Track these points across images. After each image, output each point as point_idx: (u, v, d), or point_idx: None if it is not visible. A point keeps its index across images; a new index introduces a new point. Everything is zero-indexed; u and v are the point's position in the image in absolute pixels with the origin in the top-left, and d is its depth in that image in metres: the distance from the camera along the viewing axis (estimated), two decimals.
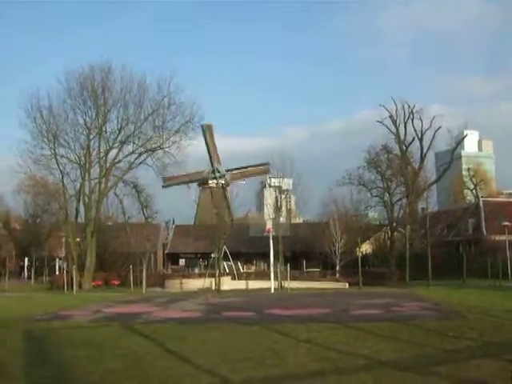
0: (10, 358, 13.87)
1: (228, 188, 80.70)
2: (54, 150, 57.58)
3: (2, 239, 77.07)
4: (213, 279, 52.86)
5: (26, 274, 71.42)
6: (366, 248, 68.86)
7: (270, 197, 61.22)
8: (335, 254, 57.91)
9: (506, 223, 51.24)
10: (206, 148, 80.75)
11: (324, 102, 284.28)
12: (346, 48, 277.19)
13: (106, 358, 13.60)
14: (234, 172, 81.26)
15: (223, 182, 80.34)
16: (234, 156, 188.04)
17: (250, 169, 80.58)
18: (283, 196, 62.20)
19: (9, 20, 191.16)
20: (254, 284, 53.32)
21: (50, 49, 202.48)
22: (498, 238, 55.82)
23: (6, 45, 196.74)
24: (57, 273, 64.23)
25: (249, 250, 62.68)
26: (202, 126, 74.20)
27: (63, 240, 61.81)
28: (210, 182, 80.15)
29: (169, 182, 67.24)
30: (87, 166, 58.49)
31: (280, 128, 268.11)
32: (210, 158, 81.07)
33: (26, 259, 71.64)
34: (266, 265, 59.29)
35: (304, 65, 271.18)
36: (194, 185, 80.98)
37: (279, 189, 62.15)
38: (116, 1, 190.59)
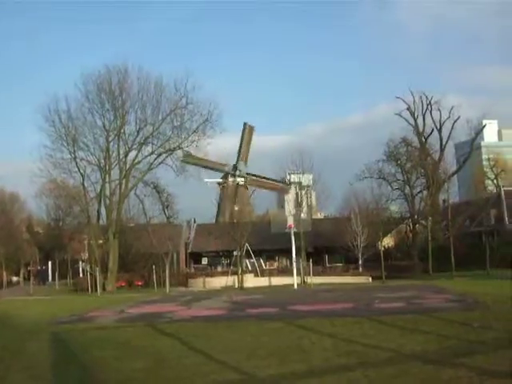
0: (38, 360, 14.01)
1: (248, 186, 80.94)
2: (74, 153, 57.98)
3: (25, 243, 77.80)
4: (236, 277, 53.06)
5: (50, 278, 71.90)
6: (388, 241, 68.74)
7: (290, 193, 61.06)
8: (357, 248, 57.83)
9: None
10: (238, 145, 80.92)
11: (340, 97, 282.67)
12: (360, 42, 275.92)
13: (132, 358, 13.69)
14: (254, 178, 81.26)
15: (242, 180, 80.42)
16: (252, 151, 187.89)
17: (271, 182, 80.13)
18: (304, 192, 62.05)
19: (20, 24, 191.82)
20: (277, 280, 53.43)
21: (64, 52, 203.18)
22: None
23: (19, 49, 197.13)
24: (80, 275, 64.66)
25: (271, 246, 62.65)
26: (245, 125, 74.51)
27: (86, 242, 62.23)
28: (230, 179, 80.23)
29: (187, 158, 66.45)
30: (107, 168, 58.81)
31: (298, 124, 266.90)
32: (238, 156, 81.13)
33: (50, 262, 72.14)
34: (288, 261, 59.26)
35: (319, 60, 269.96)
36: (214, 184, 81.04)
37: (299, 185, 62.09)
38: (128, 3, 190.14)
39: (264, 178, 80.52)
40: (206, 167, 76.95)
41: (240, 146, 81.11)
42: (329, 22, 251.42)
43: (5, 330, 21.61)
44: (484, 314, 18.55)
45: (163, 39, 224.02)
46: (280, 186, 77.82)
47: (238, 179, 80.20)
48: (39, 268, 74.73)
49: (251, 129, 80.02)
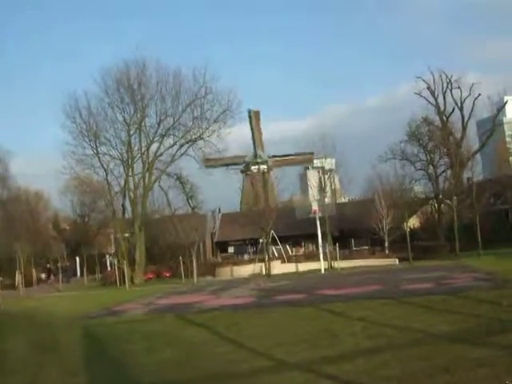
0: (70, 355, 14.17)
1: (271, 173, 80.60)
2: (96, 148, 58.25)
3: (52, 240, 78.39)
4: (262, 264, 53.03)
5: (78, 273, 72.43)
6: (413, 222, 68.35)
7: (313, 178, 60.78)
8: (383, 230, 57.57)
9: None
10: (250, 134, 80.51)
11: (360, 78, 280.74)
12: (376, 22, 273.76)
13: (162, 349, 13.80)
14: (277, 159, 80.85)
15: (265, 167, 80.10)
16: (273, 138, 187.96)
17: (293, 157, 79.74)
18: (327, 176, 61.79)
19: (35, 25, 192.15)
20: (304, 266, 53.29)
21: (84, 47, 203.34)
22: None
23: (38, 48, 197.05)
24: (108, 269, 65.07)
25: (296, 232, 62.53)
26: (249, 112, 74.19)
27: (112, 236, 62.58)
28: (252, 167, 79.95)
29: (209, 163, 67.19)
30: (130, 162, 59.07)
31: (316, 110, 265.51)
32: (254, 143, 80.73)
33: (78, 258, 72.64)
34: (314, 246, 59.13)
35: (336, 43, 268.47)
36: (238, 172, 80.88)
37: (322, 169, 61.84)
38: None
39: (285, 155, 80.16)
40: (227, 165, 77.02)
41: (252, 134, 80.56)
42: (344, 6, 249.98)
43: (37, 326, 21.87)
44: None
45: (179, 29, 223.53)
46: (302, 158, 77.57)
47: (261, 166, 79.88)
48: (61, 264, 74.97)
49: (256, 114, 79.20)
